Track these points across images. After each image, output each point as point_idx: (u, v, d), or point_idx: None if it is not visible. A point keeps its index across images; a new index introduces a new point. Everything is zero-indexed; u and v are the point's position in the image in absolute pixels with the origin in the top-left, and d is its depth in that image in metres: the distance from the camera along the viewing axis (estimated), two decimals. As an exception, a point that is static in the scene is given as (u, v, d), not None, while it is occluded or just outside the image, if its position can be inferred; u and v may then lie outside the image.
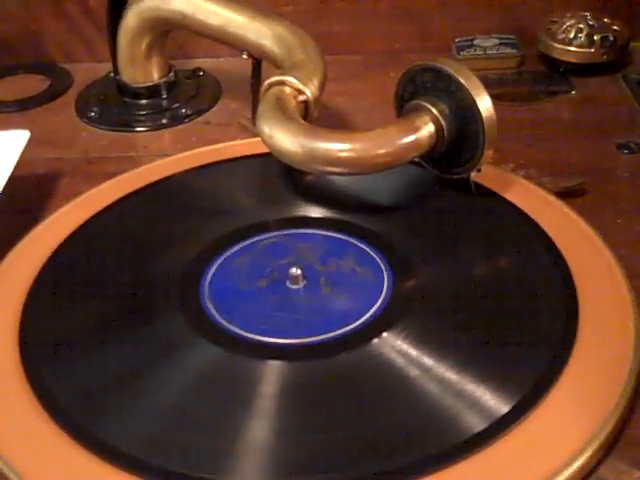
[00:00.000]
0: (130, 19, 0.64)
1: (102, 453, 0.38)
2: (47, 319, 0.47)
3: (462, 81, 0.50)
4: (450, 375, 0.42)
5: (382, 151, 0.50)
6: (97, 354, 0.44)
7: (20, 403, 0.41)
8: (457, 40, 0.73)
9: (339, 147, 0.49)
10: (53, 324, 0.46)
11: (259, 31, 0.59)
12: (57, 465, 0.39)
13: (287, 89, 0.53)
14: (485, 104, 0.50)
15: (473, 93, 0.50)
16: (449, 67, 0.51)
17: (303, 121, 0.51)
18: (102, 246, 0.52)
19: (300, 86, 0.53)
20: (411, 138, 0.51)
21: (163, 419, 0.41)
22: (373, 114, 0.66)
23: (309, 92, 0.53)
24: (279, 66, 0.57)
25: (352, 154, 0.49)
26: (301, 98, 0.53)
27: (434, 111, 0.51)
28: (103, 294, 0.48)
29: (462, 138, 0.51)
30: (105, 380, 0.43)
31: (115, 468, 0.38)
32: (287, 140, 0.50)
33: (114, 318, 0.47)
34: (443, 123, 0.51)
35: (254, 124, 0.57)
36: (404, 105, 0.53)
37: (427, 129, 0.51)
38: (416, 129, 0.51)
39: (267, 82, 0.54)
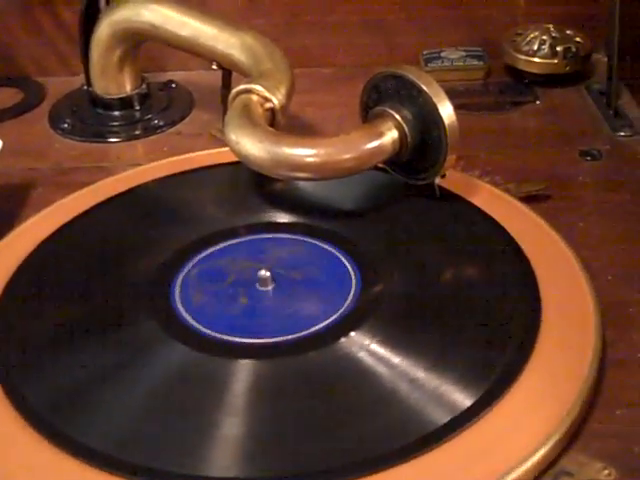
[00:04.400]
0: (102, 31, 0.65)
1: (76, 453, 0.39)
2: (19, 324, 0.47)
3: (424, 87, 0.51)
4: (415, 372, 0.42)
5: (346, 156, 0.51)
6: (69, 357, 0.45)
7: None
8: (425, 52, 0.75)
9: (304, 152, 0.50)
10: (25, 329, 0.47)
11: (228, 41, 0.60)
12: (30, 466, 0.39)
13: (254, 97, 0.54)
14: (447, 110, 0.51)
15: (435, 99, 0.51)
16: (411, 74, 0.52)
17: (269, 127, 0.52)
18: (73, 253, 0.52)
19: (267, 94, 0.54)
20: (375, 144, 0.52)
21: (136, 418, 0.41)
22: (342, 125, 0.67)
23: (276, 100, 0.54)
24: (247, 75, 0.58)
25: (317, 159, 0.50)
26: (268, 106, 0.54)
27: (397, 117, 0.52)
28: (75, 299, 0.49)
29: (425, 144, 0.52)
30: (78, 381, 0.43)
31: (89, 467, 0.38)
32: (253, 146, 0.51)
33: (85, 322, 0.47)
34: (406, 129, 0.52)
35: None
36: (369, 112, 0.54)
37: (390, 135, 0.52)
38: (380, 135, 0.52)
39: (235, 90, 0.55)
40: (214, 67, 0.62)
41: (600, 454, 0.39)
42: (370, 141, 0.52)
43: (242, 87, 0.54)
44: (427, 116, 0.52)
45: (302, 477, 0.38)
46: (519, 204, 0.54)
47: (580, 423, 0.41)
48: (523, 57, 0.71)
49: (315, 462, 0.39)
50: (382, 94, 0.54)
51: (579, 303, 0.46)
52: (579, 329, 0.45)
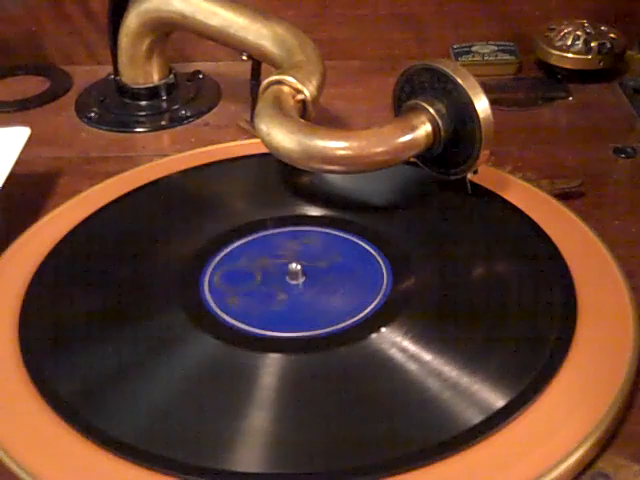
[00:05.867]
0: (131, 20, 0.64)
1: (106, 444, 0.39)
2: (47, 314, 0.47)
3: (459, 81, 0.50)
4: (448, 370, 0.42)
5: (379, 149, 0.50)
6: (98, 347, 0.44)
7: (22, 397, 0.41)
8: (455, 46, 0.74)
9: (336, 145, 0.49)
10: (53, 318, 0.46)
11: (259, 32, 0.59)
12: (60, 457, 0.39)
13: (285, 88, 0.53)
14: (482, 104, 0.50)
15: (470, 93, 0.50)
16: (447, 67, 0.51)
17: (300, 119, 0.51)
18: (101, 243, 0.52)
19: (299, 86, 0.54)
20: (408, 137, 0.51)
21: (165, 410, 0.41)
22: (372, 118, 0.66)
23: (307, 92, 0.54)
24: (278, 67, 0.57)
25: (349, 152, 0.50)
26: (299, 97, 0.54)
27: (431, 111, 0.51)
28: (103, 289, 0.48)
29: (459, 138, 0.52)
30: (107, 373, 0.43)
31: (118, 458, 0.38)
32: (284, 138, 0.50)
33: (114, 312, 0.47)
34: (440, 123, 0.51)
35: (253, 126, 0.57)
36: (402, 105, 0.54)
37: (424, 128, 0.51)
38: (413, 128, 0.51)
39: (266, 81, 0.54)
40: (244, 58, 0.62)
41: (638, 456, 0.39)
42: (403, 135, 0.51)
43: (273, 78, 0.54)
44: (461, 110, 0.51)
45: (330, 474, 0.38)
46: (553, 201, 0.54)
47: (617, 425, 0.40)
48: (556, 52, 0.70)
49: (343, 459, 0.38)
50: (416, 87, 0.53)
51: (616, 302, 0.45)
52: (616, 328, 0.44)
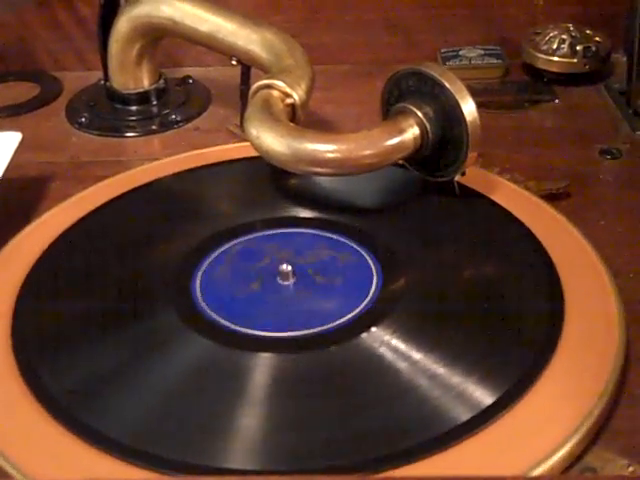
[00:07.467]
0: (122, 25, 0.65)
1: (98, 443, 0.39)
2: (40, 315, 0.47)
3: (446, 85, 0.51)
4: (437, 368, 0.42)
5: (367, 152, 0.51)
6: (91, 348, 0.45)
7: (16, 398, 0.41)
8: (443, 51, 0.75)
9: (325, 148, 0.50)
10: (46, 320, 0.47)
11: (248, 37, 0.60)
12: (54, 456, 0.39)
13: (275, 92, 0.54)
14: (469, 107, 0.51)
15: (457, 96, 0.51)
16: (434, 71, 0.52)
17: (290, 122, 0.52)
18: (92, 245, 0.52)
19: (288, 90, 0.54)
20: (396, 140, 0.51)
21: (157, 409, 0.41)
22: (360, 122, 0.66)
23: (296, 96, 0.54)
24: (267, 71, 0.58)
25: (338, 155, 0.50)
26: (288, 101, 0.54)
27: (419, 114, 0.52)
28: (94, 291, 0.49)
29: (446, 141, 0.52)
30: (100, 373, 0.43)
31: (110, 457, 0.38)
32: (274, 141, 0.50)
33: (106, 313, 0.47)
34: (428, 126, 0.52)
35: (242, 130, 0.58)
36: (390, 109, 0.54)
37: (412, 131, 0.52)
38: (401, 131, 0.52)
39: (255, 85, 0.55)
40: (234, 62, 0.62)
41: (624, 451, 0.39)
42: (391, 137, 0.51)
43: (263, 82, 0.54)
44: (449, 113, 0.51)
45: (321, 471, 0.38)
46: (540, 202, 0.54)
47: (604, 420, 0.40)
48: (542, 56, 0.71)
49: (334, 456, 0.38)
50: (403, 91, 0.54)
51: (602, 300, 0.46)
52: (602, 326, 0.44)
